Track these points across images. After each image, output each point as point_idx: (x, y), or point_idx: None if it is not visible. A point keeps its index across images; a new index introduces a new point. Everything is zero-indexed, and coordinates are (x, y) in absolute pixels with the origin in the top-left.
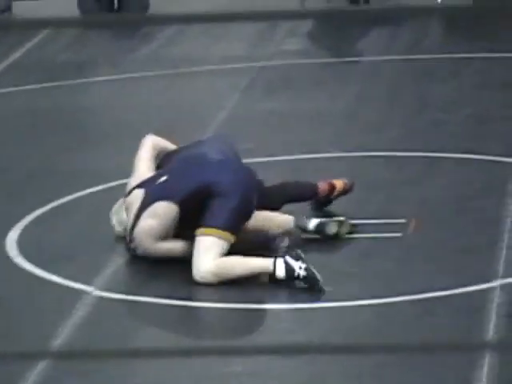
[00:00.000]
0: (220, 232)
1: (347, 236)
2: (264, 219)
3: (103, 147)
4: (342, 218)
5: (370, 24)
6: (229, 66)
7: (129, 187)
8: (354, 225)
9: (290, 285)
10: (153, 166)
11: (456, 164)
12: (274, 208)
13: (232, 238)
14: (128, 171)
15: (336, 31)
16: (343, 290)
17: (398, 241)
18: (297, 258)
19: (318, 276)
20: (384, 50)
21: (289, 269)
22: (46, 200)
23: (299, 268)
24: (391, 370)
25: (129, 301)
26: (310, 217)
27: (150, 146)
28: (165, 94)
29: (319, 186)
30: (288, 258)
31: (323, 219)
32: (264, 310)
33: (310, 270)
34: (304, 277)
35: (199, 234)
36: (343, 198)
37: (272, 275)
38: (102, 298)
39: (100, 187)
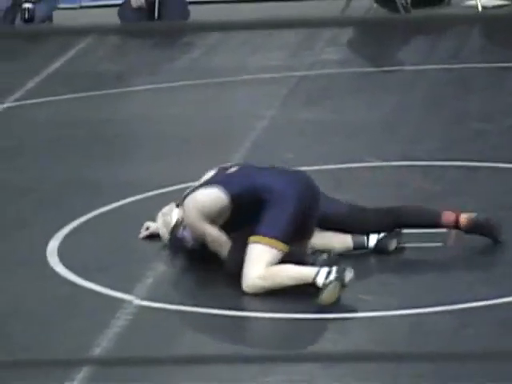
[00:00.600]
0: (272, 241)
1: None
2: (322, 238)
3: (142, 157)
4: (397, 229)
5: (410, 33)
6: (268, 75)
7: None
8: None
9: None
10: None
11: (496, 173)
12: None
13: (284, 248)
14: (165, 181)
15: (376, 40)
16: (383, 299)
17: (438, 251)
18: (342, 270)
19: (346, 277)
20: (424, 59)
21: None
22: (85, 209)
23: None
24: (430, 381)
25: (169, 310)
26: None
27: None
28: (204, 104)
29: (443, 216)
30: (334, 268)
31: (380, 235)
32: (305, 320)
33: (341, 274)
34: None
35: (251, 241)
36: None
37: (313, 283)
38: (142, 307)
39: (138, 197)
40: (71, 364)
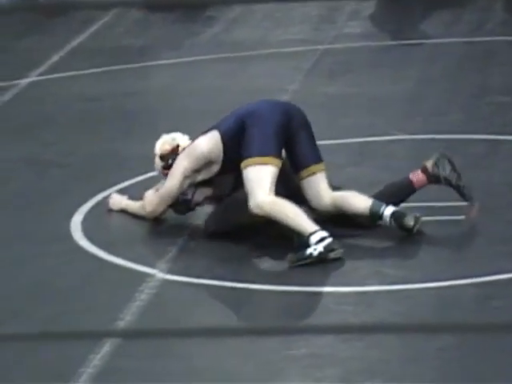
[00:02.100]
0: (263, 159)
1: None
2: (341, 198)
3: (166, 131)
4: (418, 215)
5: (433, 6)
6: (291, 49)
7: None
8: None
9: (353, 268)
10: None
11: None
12: None
13: (276, 162)
14: None
15: (398, 13)
16: (406, 272)
17: (460, 224)
18: (332, 248)
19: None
20: (446, 33)
21: (316, 243)
22: (109, 184)
23: (314, 249)
24: (454, 353)
25: (192, 283)
26: (387, 203)
27: None
28: (227, 78)
29: (412, 179)
30: (329, 238)
31: (401, 209)
32: (327, 293)
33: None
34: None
35: (243, 167)
36: None
37: (305, 238)
38: (165, 281)
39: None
40: (96, 337)
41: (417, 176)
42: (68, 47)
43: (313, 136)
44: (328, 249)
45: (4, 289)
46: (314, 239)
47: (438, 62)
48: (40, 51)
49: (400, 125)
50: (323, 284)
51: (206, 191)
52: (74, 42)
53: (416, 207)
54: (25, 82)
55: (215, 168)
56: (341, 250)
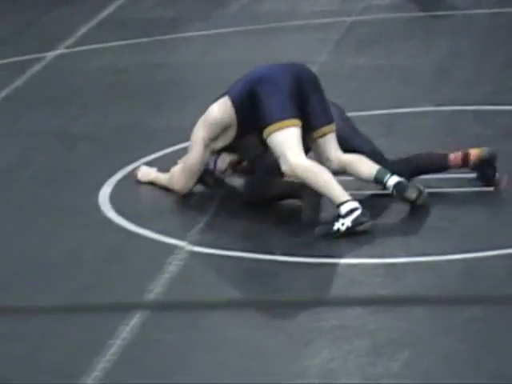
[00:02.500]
0: (283, 123)
1: (438, 191)
2: (348, 162)
3: (194, 103)
4: (422, 188)
5: None
6: (319, 21)
7: None
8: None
9: (381, 239)
10: None
11: None
12: None
13: (297, 123)
14: None
15: None
16: (435, 244)
17: (490, 195)
18: (361, 221)
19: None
20: (475, 4)
21: (347, 215)
22: (137, 156)
23: (342, 224)
24: (482, 324)
25: (220, 255)
26: (393, 174)
27: None
28: (255, 50)
29: (450, 158)
30: (359, 210)
31: (405, 181)
32: (355, 265)
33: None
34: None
35: (267, 135)
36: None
37: (338, 205)
38: (194, 253)
39: (188, 143)
40: (125, 309)
41: (455, 159)
42: (96, 20)
43: (324, 97)
44: (356, 222)
45: (33, 262)
46: (343, 210)
47: (466, 33)
48: (68, 24)
49: (429, 96)
50: (351, 256)
51: (229, 157)
52: (102, 15)
53: (444, 179)
54: (53, 54)
55: (232, 132)
56: (369, 223)
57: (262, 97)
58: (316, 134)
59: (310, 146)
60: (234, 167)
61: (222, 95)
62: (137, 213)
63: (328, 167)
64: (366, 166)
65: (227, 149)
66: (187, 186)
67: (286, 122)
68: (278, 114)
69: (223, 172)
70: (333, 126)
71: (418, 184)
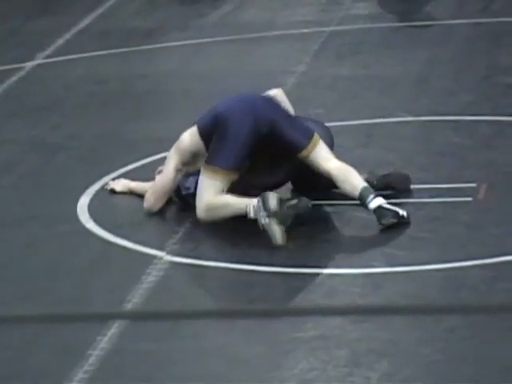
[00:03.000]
0: (217, 170)
1: (417, 201)
2: (335, 176)
3: (173, 113)
4: (401, 213)
5: None
6: (298, 31)
7: None
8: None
9: (360, 249)
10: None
11: None
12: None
13: (231, 176)
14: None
15: None
16: (414, 254)
17: (468, 205)
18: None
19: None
20: (454, 14)
21: (257, 209)
22: (115, 166)
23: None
24: (462, 334)
25: (200, 265)
26: (377, 195)
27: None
28: (233, 60)
29: None
30: (263, 199)
31: (385, 206)
32: (335, 275)
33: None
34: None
35: (201, 169)
36: (413, 163)
37: (246, 212)
38: (172, 263)
39: (167, 153)
40: (104, 319)
41: None
42: (75, 29)
43: (293, 117)
44: (266, 204)
45: (11, 272)
46: (252, 214)
47: (445, 43)
48: (47, 33)
49: (408, 106)
50: (331, 266)
51: None
52: (82, 24)
53: (424, 189)
54: (32, 64)
55: (202, 158)
56: (271, 194)
57: (214, 137)
58: (302, 154)
59: (302, 168)
60: None
61: (193, 124)
62: (115, 223)
63: (331, 178)
64: (351, 183)
65: None
66: (156, 206)
67: (224, 171)
68: (219, 160)
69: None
70: (315, 139)
71: (397, 209)
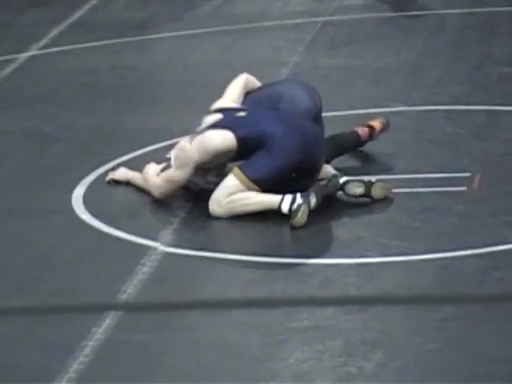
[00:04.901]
0: (249, 182)
1: (410, 191)
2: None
3: (166, 104)
4: (366, 180)
5: None
6: (291, 21)
7: (212, 108)
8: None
9: (355, 239)
10: (239, 100)
11: None
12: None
13: (257, 188)
14: (189, 128)
15: None
16: (408, 244)
17: (462, 195)
18: (305, 198)
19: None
20: (447, 4)
21: (292, 203)
22: (110, 157)
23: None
24: (455, 324)
25: (194, 256)
26: (341, 174)
27: (244, 80)
28: (227, 51)
29: (359, 132)
30: (298, 194)
31: (346, 178)
32: (329, 265)
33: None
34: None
35: (232, 171)
36: (407, 153)
37: (278, 210)
38: (167, 254)
39: (162, 144)
40: (98, 310)
41: (363, 133)
42: (68, 21)
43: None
44: (306, 197)
45: (6, 263)
46: (285, 206)
47: (439, 33)
48: (40, 25)
49: (401, 96)
50: (325, 256)
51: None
52: (74, 16)
53: (417, 179)
54: (25, 56)
55: (218, 166)
56: (307, 204)
57: (261, 149)
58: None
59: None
60: (219, 174)
61: (223, 126)
62: (110, 214)
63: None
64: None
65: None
66: (166, 195)
67: (253, 184)
68: (257, 175)
69: (208, 182)
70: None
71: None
